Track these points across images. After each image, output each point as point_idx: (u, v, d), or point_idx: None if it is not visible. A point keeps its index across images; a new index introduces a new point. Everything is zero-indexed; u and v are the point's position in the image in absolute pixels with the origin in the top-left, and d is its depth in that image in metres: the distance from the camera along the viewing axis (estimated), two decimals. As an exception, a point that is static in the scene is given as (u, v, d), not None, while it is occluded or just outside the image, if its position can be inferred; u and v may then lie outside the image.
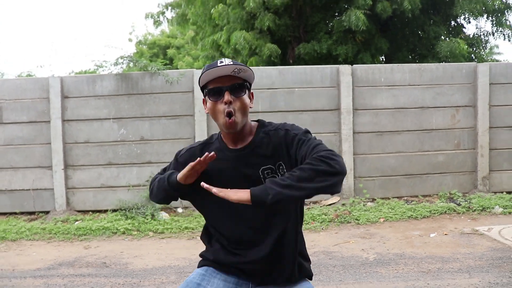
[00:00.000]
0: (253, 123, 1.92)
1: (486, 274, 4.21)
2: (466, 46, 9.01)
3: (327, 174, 1.57)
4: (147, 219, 6.42)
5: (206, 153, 1.72)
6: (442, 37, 9.65)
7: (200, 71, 6.58)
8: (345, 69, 7.05)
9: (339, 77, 7.04)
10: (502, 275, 4.18)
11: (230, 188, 1.66)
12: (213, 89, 1.76)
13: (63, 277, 4.62)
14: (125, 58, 6.97)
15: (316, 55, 9.82)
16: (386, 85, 7.10)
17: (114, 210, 6.87)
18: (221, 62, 1.75)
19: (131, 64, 7.03)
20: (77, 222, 6.59)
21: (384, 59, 10.72)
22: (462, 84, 7.17)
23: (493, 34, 10.25)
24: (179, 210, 6.89)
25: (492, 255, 4.75)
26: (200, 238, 2.07)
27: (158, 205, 6.61)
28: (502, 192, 7.14)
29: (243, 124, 1.80)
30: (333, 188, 1.60)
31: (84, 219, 6.74)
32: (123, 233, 6.11)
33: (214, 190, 1.64)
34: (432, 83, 7.14)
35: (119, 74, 6.96)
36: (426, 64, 7.50)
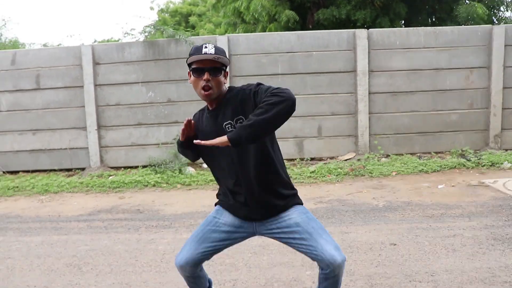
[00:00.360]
0: (225, 90, 2.35)
1: (485, 218, 4.60)
2: (484, 9, 9.08)
3: (278, 102, 2.02)
4: (175, 173, 6.97)
5: (187, 118, 2.30)
6: (461, 0, 9.70)
7: (222, 37, 7.01)
8: (361, 33, 7.33)
9: (355, 40, 7.34)
10: (498, 219, 4.56)
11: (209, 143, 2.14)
12: (197, 69, 2.26)
13: (103, 220, 5.21)
14: (152, 27, 7.39)
15: (335, 20, 10.03)
16: (401, 48, 7.37)
17: (144, 166, 7.45)
18: (205, 47, 2.25)
19: (159, 33, 7.44)
20: (111, 177, 7.18)
21: (403, 24, 10.82)
22: (477, 46, 7.38)
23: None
24: (204, 165, 7.43)
25: (493, 203, 5.12)
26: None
27: (184, 161, 7.16)
28: (513, 150, 7.43)
29: (217, 95, 2.30)
30: (287, 110, 2.04)
31: (117, 174, 7.33)
32: (154, 185, 6.68)
33: (202, 142, 2.14)
34: (447, 45, 7.37)
35: (147, 41, 7.41)
36: (441, 27, 7.70)
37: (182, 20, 22.67)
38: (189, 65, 2.29)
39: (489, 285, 3.07)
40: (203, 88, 2.25)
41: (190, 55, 2.27)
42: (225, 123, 2.25)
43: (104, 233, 4.71)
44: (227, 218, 2.40)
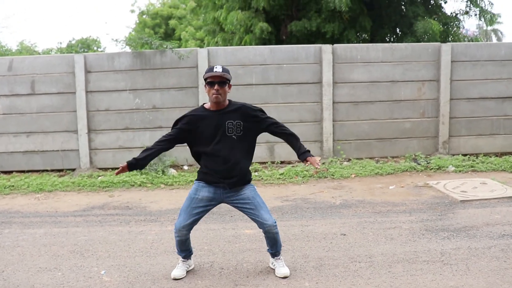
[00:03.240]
0: (227, 101, 3.63)
1: (423, 214, 5.52)
2: (439, 26, 10.08)
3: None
4: (159, 174, 7.73)
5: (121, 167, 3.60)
6: (420, 16, 10.67)
7: (203, 50, 7.78)
8: (327, 48, 8.22)
9: (321, 54, 8.21)
10: (433, 213, 5.50)
11: (210, 132, 3.54)
12: (210, 82, 3.52)
13: (97, 215, 5.95)
14: (139, 39, 8.13)
15: (307, 32, 10.90)
16: (362, 62, 8.29)
17: (131, 168, 8.17)
18: (216, 68, 3.51)
19: (146, 45, 8.17)
20: (100, 177, 7.88)
21: (367, 37, 11.75)
22: (427, 61, 8.34)
23: (468, 13, 11.29)
24: (185, 167, 8.22)
25: (432, 201, 6.06)
26: (192, 156, 3.79)
27: (167, 163, 7.92)
28: (458, 154, 8.42)
29: (223, 99, 3.57)
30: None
31: (106, 174, 8.04)
32: (140, 185, 7.42)
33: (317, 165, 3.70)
34: (402, 60, 8.32)
35: (134, 52, 8.15)
36: (396, 44, 8.65)
37: (163, 23, 23.30)
38: (205, 80, 3.52)
39: (411, 263, 3.96)
40: (214, 95, 3.48)
41: (206, 72, 3.53)
42: (228, 121, 3.53)
43: (99, 226, 5.46)
44: (203, 194, 3.62)
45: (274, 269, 3.85)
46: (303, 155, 3.66)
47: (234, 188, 3.63)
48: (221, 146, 3.54)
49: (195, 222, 3.68)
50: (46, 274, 3.99)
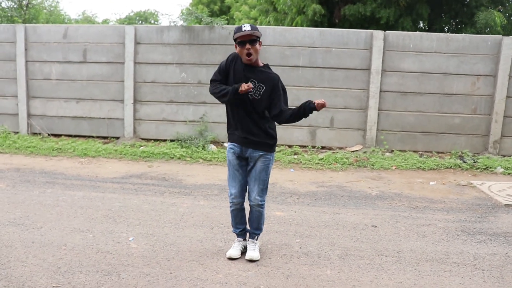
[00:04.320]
0: (260, 61, 3.61)
1: (461, 214, 5.29)
2: (503, 18, 9.50)
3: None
4: (199, 149, 7.83)
5: (247, 87, 3.43)
6: (484, 6, 10.09)
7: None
8: (378, 34, 7.95)
9: (372, 41, 7.96)
10: (472, 215, 5.25)
11: (236, 80, 3.50)
12: (240, 42, 3.44)
13: (134, 184, 6.12)
14: (190, 14, 8.18)
15: (360, 17, 10.59)
16: (414, 51, 7.96)
17: (172, 140, 8.34)
18: (244, 27, 3.41)
19: (196, 19, 8.22)
20: (141, 147, 8.09)
21: (424, 25, 11.27)
22: (485, 54, 7.90)
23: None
24: (225, 144, 8.28)
25: (473, 202, 5.79)
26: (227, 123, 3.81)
27: (208, 138, 8.01)
28: (510, 156, 7.99)
29: (256, 58, 3.52)
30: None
31: (147, 145, 8.24)
32: (179, 158, 7.56)
33: None
34: (457, 52, 7.92)
35: (183, 27, 8.22)
36: (453, 34, 8.22)
37: (218, 0, 23.26)
38: (235, 40, 3.45)
39: (440, 263, 3.81)
40: (247, 55, 3.44)
41: (235, 33, 3.44)
42: (252, 79, 3.50)
43: (134, 194, 5.61)
44: (232, 154, 3.67)
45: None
46: (308, 104, 3.44)
47: (249, 147, 3.63)
48: (240, 102, 3.53)
49: (243, 185, 3.72)
50: (78, 235, 4.15)
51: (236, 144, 3.67)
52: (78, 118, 8.66)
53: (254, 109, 3.56)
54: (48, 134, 8.70)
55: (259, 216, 3.75)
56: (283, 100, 3.59)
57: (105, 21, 26.04)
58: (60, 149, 7.90)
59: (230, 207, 3.78)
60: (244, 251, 3.85)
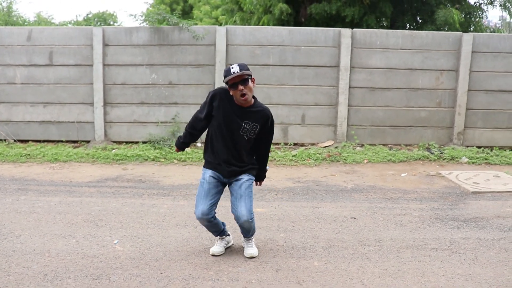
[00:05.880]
0: (253, 99, 3.55)
1: (433, 202, 5.52)
2: (461, 16, 9.90)
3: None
4: (172, 150, 7.80)
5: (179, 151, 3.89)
6: (443, 4, 10.48)
7: (221, 28, 7.75)
8: (346, 32, 8.14)
9: (340, 38, 8.15)
10: (444, 203, 5.49)
11: (224, 122, 3.49)
12: (232, 84, 3.38)
13: (110, 187, 6.05)
14: (158, 14, 8.11)
15: (326, 15, 10.78)
16: (381, 48, 8.20)
17: (144, 142, 8.27)
18: (232, 68, 3.34)
19: (164, 20, 8.16)
20: (114, 150, 7.98)
21: (387, 23, 11.59)
22: (447, 50, 8.23)
23: (492, 3, 11.06)
24: (198, 144, 8.28)
25: (443, 191, 6.05)
26: (204, 144, 3.79)
27: (181, 139, 7.99)
28: (473, 146, 8.36)
29: (250, 97, 3.46)
30: None
31: (120, 148, 8.14)
32: (153, 159, 7.51)
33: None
34: (422, 48, 8.22)
35: (153, 27, 8.15)
36: (417, 31, 8.52)
37: (180, 0, 23.12)
38: (226, 83, 3.40)
39: (420, 250, 3.98)
40: (241, 96, 3.39)
41: (224, 76, 3.39)
42: (245, 121, 3.49)
43: (112, 197, 5.55)
44: (211, 176, 3.58)
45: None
46: (261, 174, 3.82)
47: (233, 177, 3.64)
48: (231, 140, 3.52)
49: (212, 205, 3.58)
50: (61, 241, 4.08)
51: (219, 175, 3.63)
52: (46, 123, 8.45)
53: (245, 147, 3.59)
54: (14, 140, 8.45)
55: (251, 228, 3.70)
56: (266, 141, 3.69)
57: (65, 24, 25.36)
58: (29, 155, 7.69)
59: (201, 223, 3.68)
60: (227, 247, 3.93)
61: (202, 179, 3.64)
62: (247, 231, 3.74)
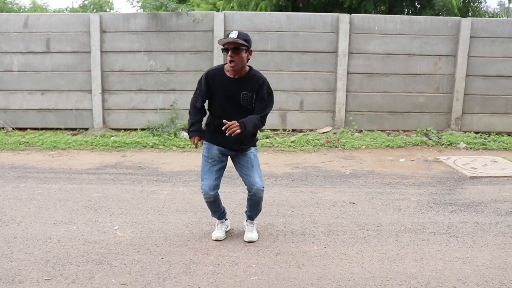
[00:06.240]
0: (247, 68, 3.50)
1: (431, 187, 5.56)
2: (459, 1, 9.86)
3: (261, 126, 3.52)
4: (171, 137, 7.81)
5: (197, 141, 3.71)
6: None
7: (219, 14, 7.70)
8: (344, 17, 8.11)
9: (338, 24, 8.11)
10: (442, 188, 5.53)
11: (223, 98, 3.51)
12: (225, 48, 3.38)
13: (110, 174, 6.06)
14: (156, 1, 8.05)
15: (324, 1, 10.75)
16: (379, 33, 8.18)
17: (143, 129, 8.27)
18: (231, 34, 3.32)
19: (162, 6, 8.10)
20: (112, 137, 7.98)
21: (385, 8, 11.53)
22: (446, 35, 8.21)
23: (491, -12, 11.00)
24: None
25: (441, 176, 6.09)
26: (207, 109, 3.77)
27: (179, 125, 8.00)
28: (470, 132, 8.39)
29: (239, 67, 3.42)
30: (260, 128, 3.60)
31: (118, 135, 8.13)
32: (152, 146, 7.52)
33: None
34: (420, 33, 8.19)
35: (150, 14, 8.10)
36: (415, 16, 8.50)
37: (178, -14, 22.87)
38: (222, 45, 3.38)
39: (418, 234, 4.03)
40: (229, 61, 3.37)
41: (222, 39, 3.38)
42: (243, 92, 3.46)
43: (112, 184, 5.57)
44: (214, 152, 3.62)
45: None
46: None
47: (239, 151, 3.66)
48: (229, 113, 3.46)
49: (217, 180, 3.67)
50: (62, 227, 4.11)
51: (224, 149, 3.65)
52: (44, 110, 8.43)
53: (243, 116, 3.46)
54: (13, 128, 8.43)
55: (260, 201, 3.72)
56: (262, 106, 3.52)
57: (60, 11, 25.15)
58: (28, 142, 7.68)
59: (205, 199, 3.73)
60: (228, 230, 3.97)
61: (206, 154, 3.67)
62: (256, 204, 3.72)
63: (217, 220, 3.91)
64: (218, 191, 3.71)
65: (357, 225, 4.24)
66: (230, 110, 3.50)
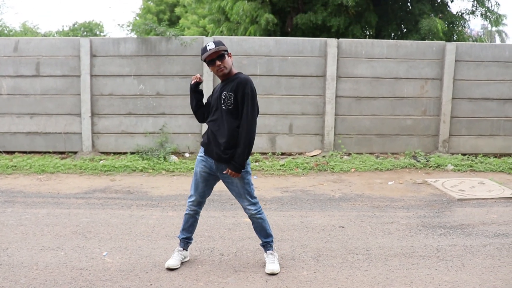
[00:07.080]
0: (234, 70, 3.61)
1: (420, 210, 5.60)
2: (444, 25, 10.11)
3: (247, 140, 3.52)
4: (160, 161, 7.79)
5: (198, 75, 3.75)
6: (426, 14, 10.69)
7: (209, 39, 7.78)
8: (332, 42, 8.25)
9: (326, 48, 8.25)
10: (431, 211, 5.57)
11: (213, 103, 3.62)
12: (210, 61, 3.49)
13: (98, 198, 6.02)
14: (147, 25, 8.14)
15: (312, 25, 10.92)
16: (366, 57, 8.32)
17: (132, 153, 8.25)
18: (208, 46, 3.45)
19: (151, 30, 8.18)
20: (102, 161, 7.94)
21: (372, 32, 11.78)
22: (432, 59, 8.38)
23: (473, 13, 11.30)
24: (186, 154, 8.29)
25: (430, 198, 6.14)
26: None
27: (169, 149, 8.00)
28: (458, 154, 8.49)
29: (228, 70, 3.54)
30: (249, 142, 3.57)
31: (107, 159, 8.10)
32: (141, 170, 7.49)
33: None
34: (406, 57, 8.35)
35: (140, 38, 8.17)
36: (402, 40, 8.68)
37: (167, 10, 23.18)
38: (204, 61, 3.51)
39: (408, 257, 4.04)
40: (219, 71, 3.49)
41: (202, 55, 3.49)
42: (224, 92, 3.50)
43: (101, 209, 5.53)
44: (201, 165, 3.68)
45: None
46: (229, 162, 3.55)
47: (220, 162, 3.60)
48: (216, 117, 3.57)
49: (203, 195, 3.76)
50: (49, 253, 4.06)
51: (209, 159, 3.68)
52: (33, 134, 8.39)
53: (229, 122, 3.50)
54: (0, 152, 8.36)
55: (262, 223, 3.73)
56: (243, 109, 3.47)
57: (50, 34, 25.26)
58: (15, 166, 7.62)
59: (186, 210, 3.82)
60: (183, 261, 3.84)
61: (196, 166, 3.77)
62: (259, 227, 3.75)
63: (177, 247, 3.85)
64: (203, 205, 3.83)
65: (346, 249, 4.25)
66: (215, 113, 3.60)
